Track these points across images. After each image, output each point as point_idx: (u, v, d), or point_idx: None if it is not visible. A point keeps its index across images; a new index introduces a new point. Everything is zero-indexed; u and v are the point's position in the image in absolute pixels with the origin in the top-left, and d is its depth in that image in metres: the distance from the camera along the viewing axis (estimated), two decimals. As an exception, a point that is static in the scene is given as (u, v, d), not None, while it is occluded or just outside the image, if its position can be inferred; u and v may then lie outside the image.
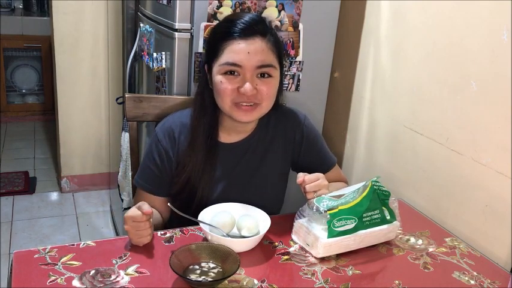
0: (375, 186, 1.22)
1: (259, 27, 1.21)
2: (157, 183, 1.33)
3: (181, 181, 1.30)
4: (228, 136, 1.34)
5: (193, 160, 1.28)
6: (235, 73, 1.21)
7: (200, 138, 1.29)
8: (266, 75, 1.22)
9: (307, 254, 1.18)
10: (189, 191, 1.30)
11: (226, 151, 1.33)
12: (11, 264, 1.05)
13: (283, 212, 1.46)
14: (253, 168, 1.36)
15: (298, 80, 1.83)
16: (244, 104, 1.22)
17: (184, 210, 1.20)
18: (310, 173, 1.26)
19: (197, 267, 1.05)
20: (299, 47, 1.78)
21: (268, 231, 1.26)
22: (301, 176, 1.22)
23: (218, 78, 1.22)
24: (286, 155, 1.40)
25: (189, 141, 1.30)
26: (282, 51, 1.29)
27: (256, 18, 1.23)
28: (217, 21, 1.52)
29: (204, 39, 1.58)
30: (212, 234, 1.13)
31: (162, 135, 1.32)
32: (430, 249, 1.27)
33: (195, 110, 1.32)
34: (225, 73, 1.21)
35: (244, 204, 1.26)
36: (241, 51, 1.18)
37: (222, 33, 1.22)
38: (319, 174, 1.24)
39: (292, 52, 1.77)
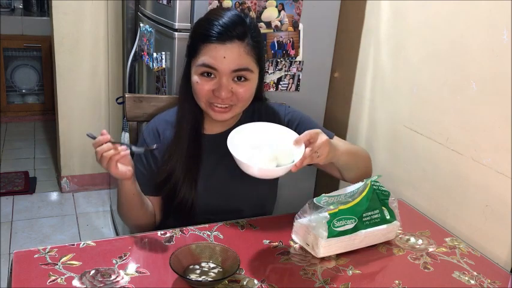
0: (374, 186, 1.22)
1: (237, 31, 1.20)
2: (144, 182, 1.33)
3: (164, 175, 1.30)
4: (211, 127, 1.35)
5: (178, 153, 1.29)
6: (211, 75, 1.22)
7: (185, 130, 1.30)
8: (242, 79, 1.24)
9: (307, 254, 1.18)
10: (172, 186, 1.30)
11: (210, 143, 1.33)
12: (11, 264, 1.05)
13: (280, 212, 1.46)
14: None
15: (298, 80, 1.83)
16: (219, 105, 1.24)
17: (166, 206, 1.25)
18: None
19: (197, 267, 1.05)
20: (299, 47, 1.78)
21: (268, 231, 1.26)
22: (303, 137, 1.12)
23: (195, 78, 1.24)
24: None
25: (174, 133, 1.31)
26: (263, 53, 1.29)
27: (236, 19, 1.22)
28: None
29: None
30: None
31: (147, 134, 1.34)
32: (430, 249, 1.27)
33: (179, 102, 1.34)
34: (201, 74, 1.23)
35: (272, 125, 1.21)
36: (218, 55, 1.20)
37: (201, 34, 1.23)
38: (316, 130, 1.14)
39: (292, 52, 1.77)
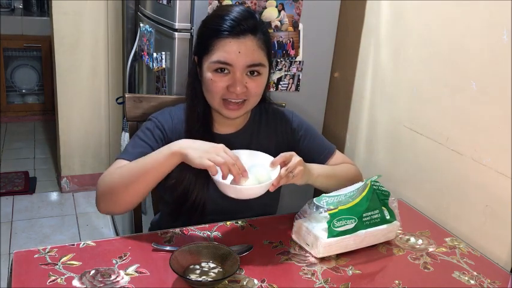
0: (374, 186, 1.22)
1: (249, 24, 1.21)
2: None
3: (175, 177, 1.26)
4: (219, 128, 1.34)
5: None
6: (225, 70, 1.22)
7: (195, 128, 1.28)
8: (255, 73, 1.24)
9: (307, 254, 1.18)
10: (184, 188, 1.28)
11: (221, 142, 1.32)
12: (11, 264, 1.05)
13: (280, 212, 1.46)
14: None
15: (298, 80, 1.83)
16: (233, 101, 1.23)
17: (177, 210, 1.24)
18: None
19: (197, 267, 1.05)
20: (299, 47, 1.78)
21: (268, 231, 1.26)
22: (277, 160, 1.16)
23: (208, 75, 1.23)
24: (280, 152, 1.39)
25: (184, 132, 1.29)
26: (271, 47, 1.30)
27: (246, 13, 1.23)
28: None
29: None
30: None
31: (159, 115, 1.31)
32: (430, 249, 1.27)
33: (187, 101, 1.33)
34: (215, 70, 1.22)
35: (252, 152, 1.23)
36: (232, 50, 1.19)
37: (212, 30, 1.22)
38: (290, 153, 1.19)
39: (292, 52, 1.77)
